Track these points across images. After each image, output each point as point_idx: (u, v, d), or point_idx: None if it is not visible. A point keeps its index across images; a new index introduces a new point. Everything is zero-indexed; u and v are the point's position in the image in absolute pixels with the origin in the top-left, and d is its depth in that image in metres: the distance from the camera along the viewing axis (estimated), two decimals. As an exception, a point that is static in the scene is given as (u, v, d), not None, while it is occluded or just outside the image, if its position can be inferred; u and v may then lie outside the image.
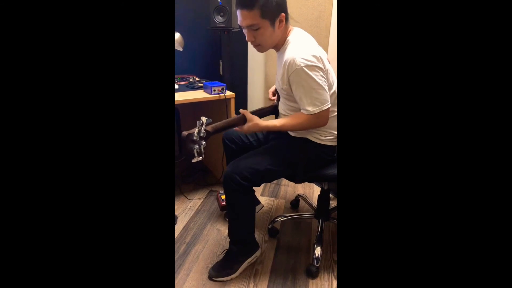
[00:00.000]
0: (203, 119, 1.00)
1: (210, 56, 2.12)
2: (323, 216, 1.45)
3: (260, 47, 1.11)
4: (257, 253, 1.31)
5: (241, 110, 1.14)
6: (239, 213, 1.20)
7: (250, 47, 2.22)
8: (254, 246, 1.30)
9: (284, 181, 2.02)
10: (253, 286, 1.21)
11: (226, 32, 1.82)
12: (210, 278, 1.23)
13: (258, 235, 1.47)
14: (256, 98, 2.39)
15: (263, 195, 1.88)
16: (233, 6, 1.65)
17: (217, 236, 1.49)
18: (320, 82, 1.03)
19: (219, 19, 1.72)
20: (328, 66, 1.10)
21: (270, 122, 1.14)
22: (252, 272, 1.28)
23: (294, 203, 1.75)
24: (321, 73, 1.03)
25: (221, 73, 1.98)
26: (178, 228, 1.54)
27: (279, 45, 1.13)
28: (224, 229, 1.54)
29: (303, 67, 1.00)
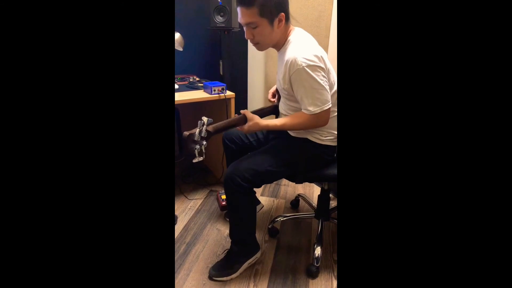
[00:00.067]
0: (204, 119, 1.01)
1: (210, 56, 2.12)
2: (323, 216, 1.45)
3: (258, 46, 1.12)
4: (257, 255, 1.31)
5: (241, 111, 1.14)
6: (240, 214, 1.20)
7: (250, 47, 2.22)
8: (255, 247, 1.30)
9: (284, 181, 2.02)
10: (253, 286, 1.21)
11: (226, 32, 1.82)
12: (210, 277, 1.23)
13: (258, 235, 1.46)
14: (256, 98, 2.38)
15: (263, 195, 1.88)
16: (233, 6, 1.65)
17: (217, 236, 1.49)
18: (321, 82, 1.03)
19: (219, 19, 1.72)
20: (329, 65, 1.10)
21: (271, 121, 1.14)
22: (252, 272, 1.28)
23: (294, 203, 1.75)
24: (323, 73, 1.04)
25: (221, 73, 1.98)
26: (178, 228, 1.54)
27: (280, 45, 1.13)
28: (224, 229, 1.54)
29: (305, 67, 1.00)
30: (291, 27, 1.13)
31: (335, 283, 1.23)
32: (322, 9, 1.88)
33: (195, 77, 1.95)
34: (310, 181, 1.33)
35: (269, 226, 1.53)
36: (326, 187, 1.40)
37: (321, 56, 1.04)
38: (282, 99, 1.24)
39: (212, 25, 1.74)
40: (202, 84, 1.74)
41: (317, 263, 1.27)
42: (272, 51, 1.16)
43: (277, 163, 1.16)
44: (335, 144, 1.22)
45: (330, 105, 1.07)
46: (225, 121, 1.11)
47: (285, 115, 1.21)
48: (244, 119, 1.12)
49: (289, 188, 1.95)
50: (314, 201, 1.57)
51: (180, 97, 1.53)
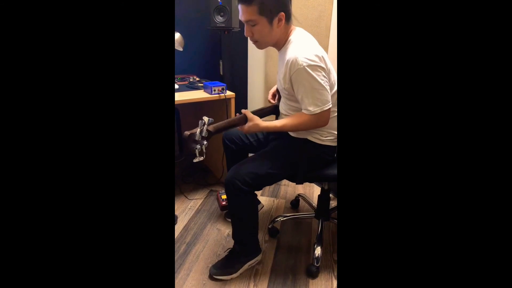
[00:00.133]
0: (205, 119, 1.01)
1: (210, 56, 2.12)
2: (323, 216, 1.45)
3: (257, 44, 1.12)
4: (258, 258, 1.32)
5: (242, 110, 1.14)
6: (241, 217, 1.21)
7: (250, 47, 2.22)
8: (256, 249, 1.30)
9: (284, 181, 2.01)
10: (253, 286, 1.21)
11: (226, 32, 1.82)
12: (211, 275, 1.23)
13: (259, 235, 1.46)
14: (256, 98, 2.38)
15: (263, 195, 1.88)
16: (233, 6, 1.65)
17: (217, 236, 1.49)
18: (322, 82, 1.03)
19: (219, 19, 1.72)
20: (330, 65, 1.10)
21: (271, 123, 1.14)
22: (252, 272, 1.28)
23: (294, 203, 1.75)
24: (323, 73, 1.03)
25: (221, 73, 1.98)
26: (178, 228, 1.54)
27: (280, 44, 1.13)
28: (224, 229, 1.54)
29: (305, 67, 1.00)
30: (292, 27, 1.13)
31: (335, 283, 1.23)
32: (322, 9, 1.88)
33: (195, 77, 1.95)
34: (310, 181, 1.33)
35: (269, 226, 1.53)
36: (326, 187, 1.40)
37: (322, 56, 1.04)
38: (282, 99, 1.24)
39: (212, 25, 1.74)
40: (202, 84, 1.74)
41: (317, 263, 1.27)
42: (272, 51, 1.17)
43: (278, 165, 1.16)
44: (335, 144, 1.22)
45: (331, 105, 1.07)
46: (225, 120, 1.11)
47: (286, 115, 1.21)
48: (245, 119, 1.12)
49: (289, 188, 1.95)
50: (314, 201, 1.57)
51: (180, 97, 1.53)
